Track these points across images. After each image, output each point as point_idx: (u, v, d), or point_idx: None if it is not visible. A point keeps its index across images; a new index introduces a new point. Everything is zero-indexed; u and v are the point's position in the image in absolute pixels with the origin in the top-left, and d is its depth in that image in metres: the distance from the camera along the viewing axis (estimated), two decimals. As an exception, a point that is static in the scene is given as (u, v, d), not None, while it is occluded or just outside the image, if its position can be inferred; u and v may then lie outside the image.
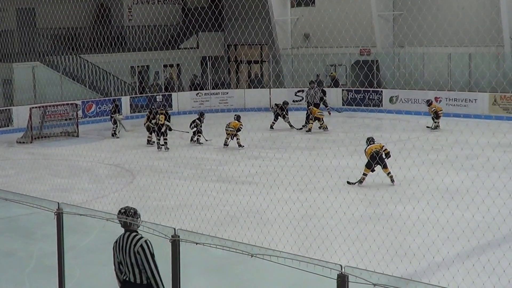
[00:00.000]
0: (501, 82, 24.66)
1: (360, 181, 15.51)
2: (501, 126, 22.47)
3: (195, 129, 21.91)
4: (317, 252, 10.38)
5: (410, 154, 16.28)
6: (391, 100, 28.58)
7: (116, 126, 24.01)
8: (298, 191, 14.70)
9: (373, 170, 15.56)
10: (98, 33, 31.56)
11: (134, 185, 16.56)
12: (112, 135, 23.96)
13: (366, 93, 29.33)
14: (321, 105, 25.18)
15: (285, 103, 24.99)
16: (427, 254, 10.44)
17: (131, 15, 34.08)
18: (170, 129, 21.84)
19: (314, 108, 23.96)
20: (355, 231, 11.78)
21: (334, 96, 29.86)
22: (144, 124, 22.41)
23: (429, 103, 23.64)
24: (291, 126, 24.52)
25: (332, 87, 30.55)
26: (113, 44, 31.38)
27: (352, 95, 29.74)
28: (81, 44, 31.36)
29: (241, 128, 21.17)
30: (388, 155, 15.56)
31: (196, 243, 6.40)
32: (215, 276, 10.32)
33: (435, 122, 23.06)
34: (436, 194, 13.73)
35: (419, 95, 27.38)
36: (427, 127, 23.22)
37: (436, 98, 26.72)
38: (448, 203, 13.12)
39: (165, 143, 21.24)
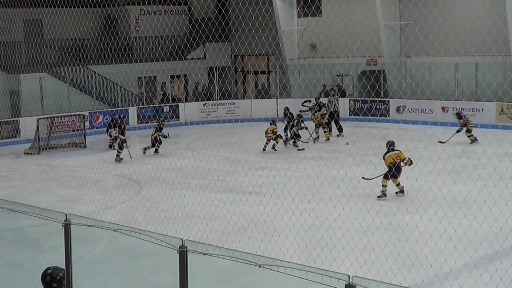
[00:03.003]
0: (507, 91, 24.64)
1: (384, 194, 15.26)
2: (508, 136, 22.43)
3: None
4: (324, 262, 10.37)
5: (417, 164, 16.29)
6: (398, 110, 28.58)
7: (114, 139, 23.98)
8: (306, 201, 14.70)
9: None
10: (105, 44, 31.71)
11: (142, 196, 16.58)
12: (109, 147, 24.01)
13: (373, 103, 29.35)
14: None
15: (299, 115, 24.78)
16: (435, 264, 10.43)
17: (138, 26, 34.21)
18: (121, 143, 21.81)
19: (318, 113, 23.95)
20: (363, 241, 11.76)
21: (341, 106, 29.82)
22: (152, 135, 22.40)
23: (459, 116, 22.56)
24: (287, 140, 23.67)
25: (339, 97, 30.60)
26: (120, 55, 31.54)
27: (359, 105, 29.76)
28: (88, 55, 31.50)
29: (276, 131, 21.93)
30: (409, 163, 15.33)
31: (204, 254, 6.39)
32: (223, 287, 10.32)
33: (470, 136, 22.03)
34: (443, 204, 13.69)
35: (426, 105, 27.39)
36: (439, 141, 22.38)
37: (443, 108, 26.72)
38: (455, 213, 13.10)
39: (118, 155, 21.66)
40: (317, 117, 23.73)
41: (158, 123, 22.74)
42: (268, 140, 21.96)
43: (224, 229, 13.01)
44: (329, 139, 23.80)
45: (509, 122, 24.53)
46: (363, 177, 15.83)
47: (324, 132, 24.03)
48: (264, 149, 21.95)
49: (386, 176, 15.20)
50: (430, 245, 11.22)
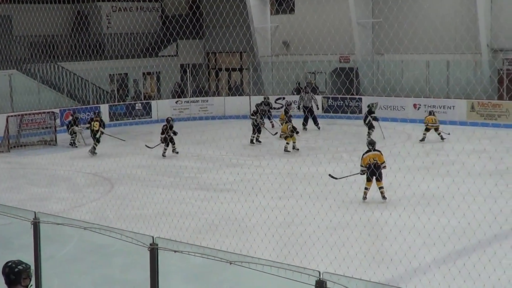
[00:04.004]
0: (477, 89, 24.93)
1: (364, 197, 14.84)
2: (476, 132, 22.69)
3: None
4: (295, 259, 10.44)
5: (387, 160, 16.40)
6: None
7: (75, 136, 23.95)
8: (276, 198, 14.77)
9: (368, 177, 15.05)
10: (76, 40, 31.49)
11: (113, 194, 16.54)
12: (70, 145, 23.92)
13: (345, 100, 29.49)
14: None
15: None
16: (404, 260, 10.55)
17: (109, 23, 34.02)
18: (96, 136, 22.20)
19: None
20: (333, 237, 11.85)
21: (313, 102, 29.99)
22: (161, 135, 21.82)
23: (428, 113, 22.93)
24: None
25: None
26: (91, 51, 31.33)
27: (331, 102, 29.89)
28: (59, 52, 31.25)
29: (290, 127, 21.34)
30: (383, 167, 14.99)
31: (175, 251, 6.43)
32: (195, 284, 10.33)
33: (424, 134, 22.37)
34: (413, 200, 13.85)
35: (398, 102, 27.60)
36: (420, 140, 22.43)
37: (414, 105, 26.93)
38: (424, 209, 13.26)
39: (94, 147, 22.12)
40: (285, 129, 22.14)
41: (167, 123, 21.56)
42: (288, 138, 21.30)
43: (196, 226, 13.04)
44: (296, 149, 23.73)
45: (479, 119, 24.81)
46: (329, 175, 15.54)
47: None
48: (287, 150, 21.27)
49: (368, 179, 14.84)
50: (400, 241, 11.35)
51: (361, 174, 15.05)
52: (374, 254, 11.04)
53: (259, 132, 23.24)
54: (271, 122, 26.33)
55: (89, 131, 22.87)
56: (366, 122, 23.07)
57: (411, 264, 10.51)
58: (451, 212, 12.54)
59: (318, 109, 27.26)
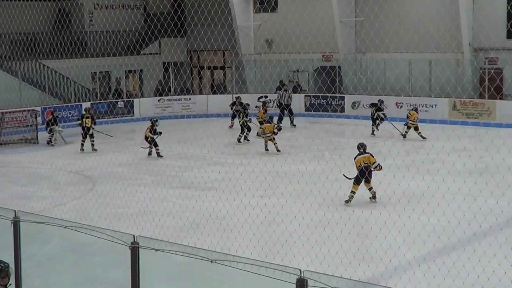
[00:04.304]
0: (458, 88, 25.09)
1: (349, 200, 14.44)
2: (456, 131, 22.85)
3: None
4: (276, 257, 10.50)
5: (368, 159, 16.48)
6: (353, 105, 28.86)
7: (52, 135, 23.88)
8: (258, 196, 14.81)
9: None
10: (58, 38, 31.32)
11: (94, 192, 16.49)
12: (48, 143, 23.84)
13: (327, 99, 29.58)
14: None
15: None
16: (385, 257, 10.63)
17: (92, 20, 33.88)
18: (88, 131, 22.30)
19: (268, 125, 21.89)
20: (314, 235, 11.91)
21: (296, 101, 30.04)
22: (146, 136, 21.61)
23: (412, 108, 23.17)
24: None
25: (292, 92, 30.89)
26: (73, 49, 31.19)
27: (314, 101, 29.97)
28: (41, 49, 31.07)
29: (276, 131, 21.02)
30: (378, 168, 14.66)
31: (156, 250, 6.44)
32: (176, 283, 10.34)
33: (406, 131, 22.65)
34: (393, 198, 13.94)
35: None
36: (402, 134, 22.78)
37: (397, 104, 27.06)
38: (405, 207, 13.36)
39: (93, 144, 22.27)
40: (271, 129, 21.47)
41: (151, 124, 21.14)
42: (267, 139, 21.05)
43: (177, 224, 13.04)
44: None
45: (462, 117, 24.99)
46: (344, 175, 14.98)
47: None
48: (266, 149, 21.05)
49: (357, 181, 14.47)
50: (380, 239, 11.44)
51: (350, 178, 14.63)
52: (355, 252, 11.11)
53: (249, 130, 23.12)
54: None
55: (67, 130, 22.77)
56: (375, 117, 23.14)
57: (392, 262, 10.58)
58: (431, 210, 12.65)
59: (279, 107, 27.22)
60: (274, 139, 20.89)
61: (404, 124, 22.69)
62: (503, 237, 11.61)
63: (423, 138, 21.97)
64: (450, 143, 18.15)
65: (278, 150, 20.73)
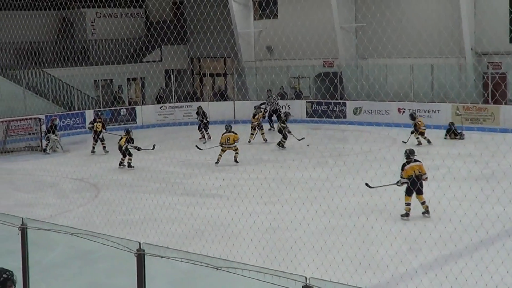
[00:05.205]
0: (461, 93, 25.05)
1: (406, 214, 13.57)
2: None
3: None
4: (282, 264, 10.47)
5: (373, 165, 16.47)
6: (355, 111, 28.87)
7: (49, 143, 23.92)
8: (262, 203, 14.79)
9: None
10: (61, 47, 31.39)
11: (99, 200, 16.50)
12: (43, 151, 23.88)
13: (329, 105, 29.59)
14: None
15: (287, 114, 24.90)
16: (391, 265, 10.59)
17: (94, 29, 33.96)
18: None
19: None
20: (319, 242, 11.88)
21: (297, 108, 30.10)
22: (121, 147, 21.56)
23: (412, 117, 22.91)
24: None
25: (294, 99, 30.96)
26: (76, 58, 31.26)
27: (316, 107, 29.97)
28: (44, 58, 31.13)
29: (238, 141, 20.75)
30: (426, 179, 13.91)
31: (161, 257, 6.43)
32: (181, 290, 10.33)
33: (417, 138, 22.45)
34: (399, 205, 13.90)
35: (382, 107, 27.71)
36: (403, 141, 22.45)
37: (399, 110, 27.04)
38: (411, 214, 13.33)
39: (104, 147, 23.04)
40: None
41: (127, 135, 20.91)
42: (224, 151, 20.51)
43: (182, 232, 13.03)
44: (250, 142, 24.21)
45: (464, 123, 24.93)
46: (366, 184, 14.56)
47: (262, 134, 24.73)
48: (217, 162, 20.44)
49: (409, 192, 13.62)
50: (386, 246, 11.40)
51: (398, 185, 13.93)
52: (361, 259, 11.07)
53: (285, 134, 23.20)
54: (207, 133, 25.43)
55: (68, 138, 22.99)
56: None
57: (398, 269, 10.54)
58: (437, 217, 12.62)
59: (266, 111, 27.58)
60: (237, 149, 20.52)
61: (412, 133, 22.53)
62: (511, 244, 11.55)
63: (419, 143, 22.00)
64: (455, 149, 18.12)
65: (236, 161, 20.44)
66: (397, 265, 10.58)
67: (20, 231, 7.59)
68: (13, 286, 6.24)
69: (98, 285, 10.56)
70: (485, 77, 26.30)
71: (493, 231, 12.18)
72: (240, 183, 16.09)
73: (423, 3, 28.47)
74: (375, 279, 10.13)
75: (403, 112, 26.84)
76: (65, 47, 31.30)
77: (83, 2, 33.19)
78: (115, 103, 31.80)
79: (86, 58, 32.54)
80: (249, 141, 24.14)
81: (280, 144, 22.80)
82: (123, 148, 20.56)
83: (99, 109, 29.79)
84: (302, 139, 22.76)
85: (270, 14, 33.10)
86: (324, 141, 23.75)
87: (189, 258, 6.33)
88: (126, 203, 15.23)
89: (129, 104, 32.19)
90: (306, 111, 29.97)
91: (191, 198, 16.09)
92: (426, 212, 13.67)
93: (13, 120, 25.32)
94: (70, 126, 28.17)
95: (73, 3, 31.26)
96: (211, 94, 34.32)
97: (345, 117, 29.03)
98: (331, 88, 28.29)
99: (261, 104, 29.86)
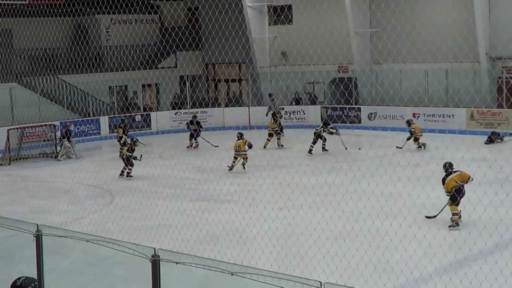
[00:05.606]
0: (476, 97, 24.96)
1: (457, 224, 13.19)
2: (476, 141, 22.77)
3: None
4: (296, 269, 10.47)
5: (387, 170, 16.45)
6: (369, 116, 28.83)
7: (61, 149, 24.04)
8: (277, 208, 14.80)
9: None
10: (76, 53, 31.59)
11: (114, 206, 16.56)
12: (55, 157, 24.02)
13: (344, 110, 29.57)
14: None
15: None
16: (405, 269, 10.56)
17: (108, 35, 34.12)
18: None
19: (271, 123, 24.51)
20: (334, 247, 11.87)
21: (312, 113, 30.10)
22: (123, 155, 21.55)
23: (409, 123, 23.10)
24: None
25: (309, 104, 30.98)
26: (91, 64, 31.42)
27: (331, 112, 29.95)
28: (59, 65, 31.32)
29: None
30: (471, 179, 13.64)
31: (177, 263, 6.43)
32: (196, 296, 10.34)
33: (416, 143, 22.60)
34: (413, 210, 13.87)
35: (397, 112, 27.64)
36: (397, 147, 22.66)
37: (414, 114, 26.96)
38: (425, 218, 13.28)
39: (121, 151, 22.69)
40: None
41: (130, 143, 20.74)
42: (236, 158, 20.40)
43: (197, 237, 13.05)
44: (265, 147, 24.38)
45: (479, 127, 24.84)
46: (426, 216, 13.89)
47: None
48: (232, 167, 20.37)
49: (454, 200, 13.33)
50: (401, 251, 11.36)
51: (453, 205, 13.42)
52: (375, 264, 11.05)
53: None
54: (196, 142, 25.48)
55: (83, 144, 23.23)
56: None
57: (413, 274, 10.52)
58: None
59: (266, 115, 27.72)
60: (247, 157, 20.41)
61: (408, 139, 22.56)
62: (525, 248, 11.51)
63: (424, 147, 22.19)
64: (469, 153, 18.06)
65: (244, 168, 20.34)
66: (412, 269, 10.55)
67: (35, 238, 7.62)
68: None
69: (113, 291, 10.59)
70: (500, 82, 26.20)
71: (507, 235, 12.13)
72: (254, 188, 16.10)
73: (437, 8, 28.40)
74: (389, 284, 10.12)
75: (418, 116, 26.78)
76: (80, 53, 31.49)
77: (98, 8, 33.36)
78: (130, 109, 31.96)
79: (101, 64, 32.69)
80: (264, 147, 24.16)
81: (323, 149, 23.07)
82: (125, 157, 20.38)
83: (113, 116, 29.94)
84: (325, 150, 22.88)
85: (285, 20, 33.13)
86: (339, 146, 23.69)
87: (204, 264, 6.32)
88: (140, 209, 15.28)
89: (144, 110, 32.32)
90: (321, 116, 29.94)
91: (205, 203, 16.11)
92: (456, 224, 13.24)
93: (27, 127, 25.43)
94: (84, 132, 28.31)
95: (88, 9, 31.43)
96: (226, 100, 34.38)
97: (359, 122, 28.99)
98: (346, 93, 28.27)
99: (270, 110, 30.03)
